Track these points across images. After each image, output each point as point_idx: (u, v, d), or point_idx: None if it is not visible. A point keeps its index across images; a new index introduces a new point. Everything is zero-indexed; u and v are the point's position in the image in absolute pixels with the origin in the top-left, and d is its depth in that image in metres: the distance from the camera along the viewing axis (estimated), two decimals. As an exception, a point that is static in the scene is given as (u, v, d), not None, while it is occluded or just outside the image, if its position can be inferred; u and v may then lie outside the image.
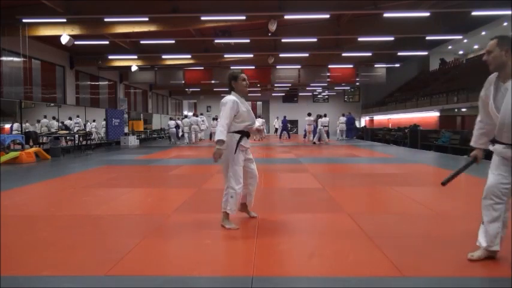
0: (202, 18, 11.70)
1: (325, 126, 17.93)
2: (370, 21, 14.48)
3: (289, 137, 22.13)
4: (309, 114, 19.00)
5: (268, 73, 21.09)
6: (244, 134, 3.55)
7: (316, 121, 18.08)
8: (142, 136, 21.85)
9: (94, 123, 17.52)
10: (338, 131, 20.59)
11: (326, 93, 36.27)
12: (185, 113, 37.62)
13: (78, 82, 18.00)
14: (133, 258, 2.82)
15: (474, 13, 11.92)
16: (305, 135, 19.50)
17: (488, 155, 2.83)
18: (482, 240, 2.69)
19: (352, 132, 19.28)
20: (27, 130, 12.51)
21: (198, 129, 18.87)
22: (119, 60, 18.50)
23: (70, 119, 16.04)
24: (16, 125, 12.23)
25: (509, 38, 2.49)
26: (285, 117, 22.85)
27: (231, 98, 3.45)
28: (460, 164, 2.98)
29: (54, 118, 15.17)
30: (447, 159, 10.25)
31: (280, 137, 21.98)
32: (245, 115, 3.51)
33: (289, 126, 25.95)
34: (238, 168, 3.49)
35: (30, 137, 12.00)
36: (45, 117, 14.79)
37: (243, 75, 3.56)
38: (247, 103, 3.65)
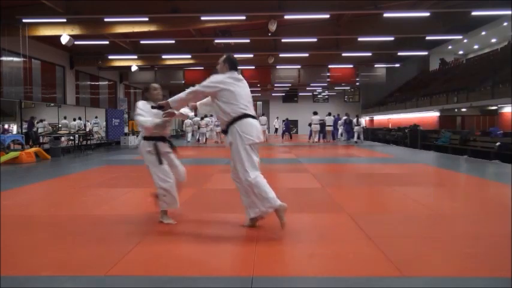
0: (202, 18, 11.71)
1: (330, 125, 18.13)
2: (370, 21, 14.49)
3: (290, 138, 22.01)
4: (315, 113, 18.15)
5: (268, 73, 21.09)
6: (158, 139, 3.69)
7: (347, 121, 18.61)
8: (142, 136, 21.82)
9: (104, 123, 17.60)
10: (340, 131, 20.59)
11: (326, 93, 36.29)
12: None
13: (78, 82, 18.02)
14: (133, 258, 2.82)
15: (474, 13, 11.93)
16: (310, 136, 18.88)
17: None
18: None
19: (350, 133, 19.30)
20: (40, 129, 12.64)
21: (204, 130, 18.63)
22: (119, 60, 18.51)
23: (80, 119, 16.05)
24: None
25: (229, 57, 3.54)
26: (287, 119, 22.76)
27: (140, 102, 3.73)
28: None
29: (75, 120, 15.25)
30: (447, 159, 10.24)
31: (282, 138, 21.89)
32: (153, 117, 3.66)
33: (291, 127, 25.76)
34: (157, 168, 3.65)
35: (30, 137, 12.00)
36: (65, 118, 14.86)
37: (154, 85, 3.85)
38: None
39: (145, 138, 3.71)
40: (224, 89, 3.33)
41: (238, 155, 3.31)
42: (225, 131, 3.43)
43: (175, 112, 3.60)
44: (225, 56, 3.58)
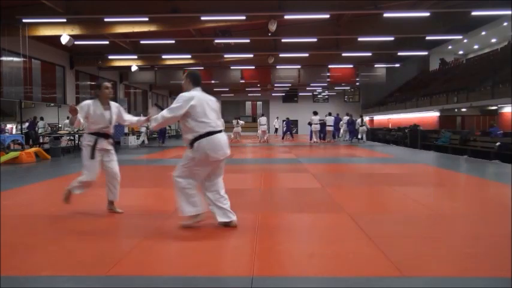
0: (202, 18, 11.70)
1: (330, 125, 18.05)
2: (370, 21, 14.48)
3: (292, 138, 21.82)
4: (315, 113, 17.58)
5: (268, 73, 21.06)
6: (100, 135, 4.05)
7: (350, 121, 18.87)
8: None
9: None
10: (342, 131, 20.54)
11: (326, 93, 36.29)
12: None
13: (78, 82, 18.00)
14: (133, 258, 2.82)
15: (474, 13, 11.91)
16: (311, 137, 18.39)
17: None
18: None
19: (353, 133, 19.25)
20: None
21: None
22: (119, 60, 18.49)
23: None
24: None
25: (191, 72, 3.68)
26: (288, 118, 22.71)
27: (85, 102, 4.02)
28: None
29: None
30: (447, 159, 10.25)
31: (283, 138, 21.74)
32: (97, 118, 3.98)
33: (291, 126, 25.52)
34: (88, 163, 4.01)
35: (30, 137, 12.00)
36: (68, 118, 14.86)
37: (106, 83, 4.12)
38: (115, 108, 4.15)
39: (89, 133, 4.05)
40: (194, 105, 3.41)
41: (190, 161, 3.45)
42: (190, 145, 3.49)
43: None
44: (187, 72, 3.72)
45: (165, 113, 3.50)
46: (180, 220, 3.94)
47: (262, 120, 19.14)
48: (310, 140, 18.31)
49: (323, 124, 18.38)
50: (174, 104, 3.45)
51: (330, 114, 18.49)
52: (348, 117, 19.66)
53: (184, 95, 3.49)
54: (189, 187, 3.47)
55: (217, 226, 3.61)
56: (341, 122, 20.10)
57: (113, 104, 4.16)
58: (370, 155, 11.89)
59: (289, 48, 17.14)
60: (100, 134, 4.04)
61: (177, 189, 3.51)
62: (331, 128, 18.34)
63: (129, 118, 4.44)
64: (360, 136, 18.34)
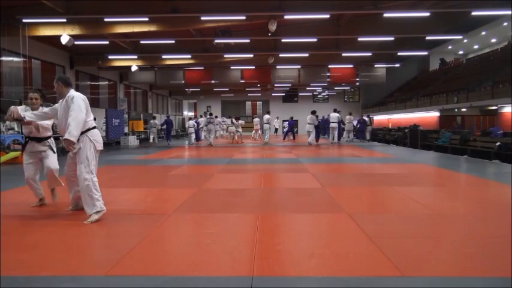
0: (202, 18, 11.70)
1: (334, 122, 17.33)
2: (370, 21, 14.49)
3: (294, 138, 21.46)
4: (313, 113, 16.60)
5: (268, 73, 21.04)
6: (31, 139, 4.50)
7: (361, 120, 19.14)
8: (143, 136, 21.86)
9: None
10: (345, 132, 20.26)
11: (326, 93, 36.30)
12: (185, 113, 37.52)
13: (78, 82, 17.99)
14: (133, 258, 2.82)
15: (474, 13, 11.90)
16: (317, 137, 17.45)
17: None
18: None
19: (362, 133, 19.14)
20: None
21: (220, 129, 18.15)
22: (119, 60, 18.49)
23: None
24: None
25: (60, 76, 4.01)
26: (291, 118, 22.53)
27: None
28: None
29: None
30: (447, 159, 10.24)
31: (284, 138, 21.51)
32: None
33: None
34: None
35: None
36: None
37: (30, 94, 4.43)
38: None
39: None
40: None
41: (86, 157, 3.94)
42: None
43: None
44: (56, 76, 4.04)
45: (78, 116, 3.75)
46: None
47: (265, 118, 18.28)
48: (315, 140, 17.29)
49: (326, 122, 17.97)
50: (80, 108, 3.77)
51: (335, 110, 17.33)
52: (349, 116, 19.58)
53: (80, 96, 3.87)
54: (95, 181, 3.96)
55: (216, 226, 3.61)
56: (346, 121, 19.83)
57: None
58: (370, 155, 11.88)
59: (289, 48, 17.13)
60: (31, 138, 4.49)
61: (90, 190, 3.85)
62: (335, 125, 17.01)
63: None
64: (367, 136, 18.81)
